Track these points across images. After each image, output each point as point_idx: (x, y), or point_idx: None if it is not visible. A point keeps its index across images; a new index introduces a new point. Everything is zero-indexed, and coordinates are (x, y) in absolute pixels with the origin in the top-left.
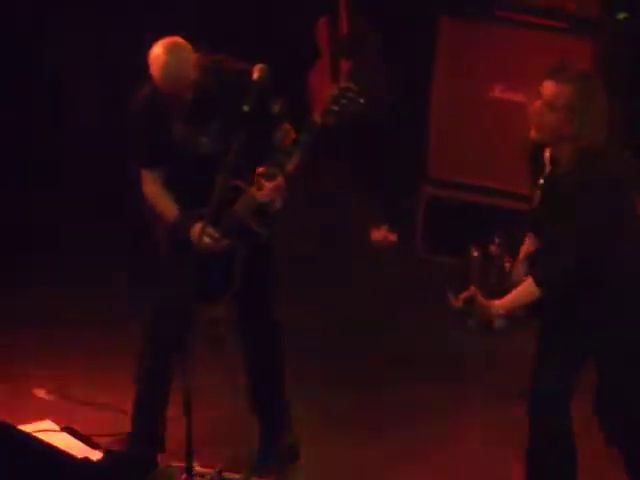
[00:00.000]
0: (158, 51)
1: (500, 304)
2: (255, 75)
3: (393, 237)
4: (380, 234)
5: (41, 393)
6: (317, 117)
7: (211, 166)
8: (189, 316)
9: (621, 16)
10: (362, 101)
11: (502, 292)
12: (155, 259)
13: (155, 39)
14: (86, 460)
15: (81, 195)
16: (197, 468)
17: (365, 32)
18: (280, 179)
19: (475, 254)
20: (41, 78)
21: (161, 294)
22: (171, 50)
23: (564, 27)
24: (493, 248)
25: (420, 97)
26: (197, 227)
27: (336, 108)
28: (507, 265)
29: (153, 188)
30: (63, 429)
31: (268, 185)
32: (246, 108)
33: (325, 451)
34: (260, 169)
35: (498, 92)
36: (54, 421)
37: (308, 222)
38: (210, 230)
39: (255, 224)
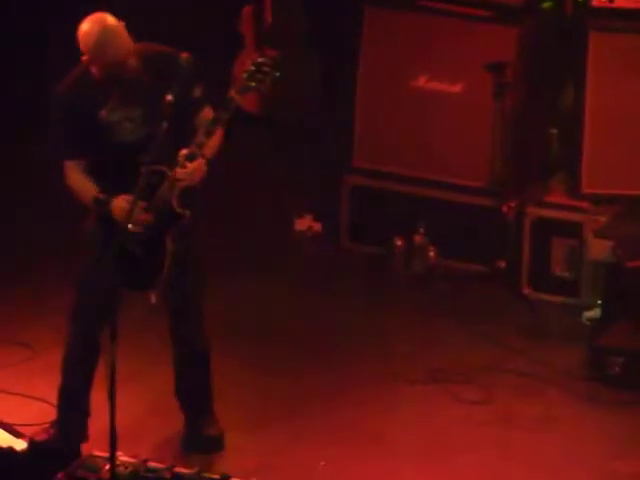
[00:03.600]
0: (90, 24)
1: None
2: (179, 64)
3: (317, 227)
4: (304, 224)
5: None
6: (234, 93)
7: (135, 152)
8: (115, 300)
9: (546, 5)
10: (277, 74)
11: None
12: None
13: None
14: (10, 449)
15: None
16: (121, 457)
17: (289, 21)
18: (201, 160)
19: (399, 243)
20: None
21: (86, 281)
22: (101, 21)
23: (489, 16)
24: (417, 237)
25: (344, 86)
26: (119, 201)
27: (253, 83)
28: (431, 254)
29: (77, 177)
30: None
31: (190, 165)
32: (169, 98)
33: (257, 440)
34: (182, 151)
35: (422, 82)
36: None
37: (230, 211)
38: (129, 197)
39: (177, 205)
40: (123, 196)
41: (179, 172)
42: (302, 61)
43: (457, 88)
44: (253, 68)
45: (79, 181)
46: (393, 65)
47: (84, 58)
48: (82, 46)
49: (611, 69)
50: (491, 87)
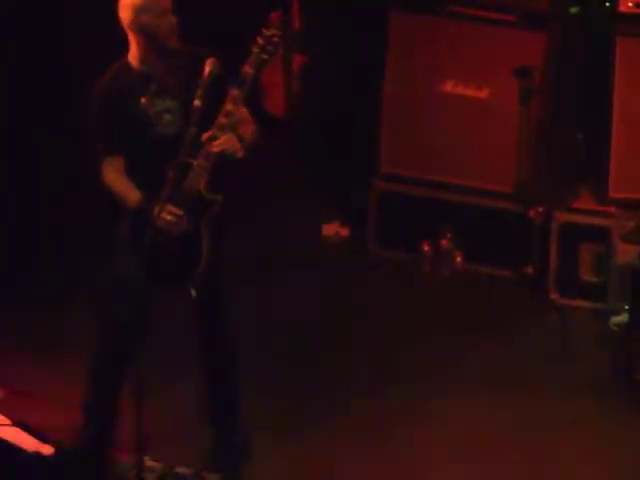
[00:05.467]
0: None
1: None
2: (206, 69)
3: (345, 232)
4: (332, 229)
5: None
6: (248, 68)
7: (172, 145)
8: (147, 307)
9: (573, 10)
10: (301, 58)
11: None
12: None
13: None
14: (38, 454)
15: None
16: (148, 463)
17: (317, 26)
18: (224, 138)
19: (427, 248)
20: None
21: (118, 285)
22: None
23: (516, 21)
24: (444, 242)
25: (372, 91)
26: (157, 210)
27: (265, 56)
28: (458, 259)
29: (116, 175)
30: (14, 423)
31: (214, 145)
32: (197, 103)
33: (279, 451)
34: (205, 134)
35: (449, 87)
36: (5, 415)
37: (256, 216)
38: (171, 207)
39: (206, 191)
40: (168, 207)
41: (209, 148)
42: (329, 66)
43: (484, 93)
44: (263, 41)
45: (120, 180)
46: (419, 70)
47: (129, 19)
48: (127, 4)
49: (638, 74)
50: (518, 92)
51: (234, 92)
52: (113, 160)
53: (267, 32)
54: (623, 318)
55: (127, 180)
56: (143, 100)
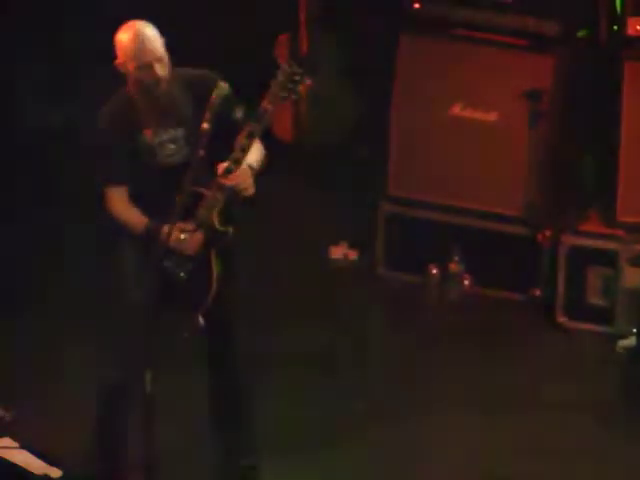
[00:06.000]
0: (126, 27)
1: None
2: (215, 93)
3: (353, 255)
4: (339, 252)
5: None
6: (267, 105)
7: (177, 174)
8: (157, 330)
9: (581, 34)
10: (308, 82)
11: None
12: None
13: None
14: (46, 477)
15: None
16: None
17: (326, 50)
18: (244, 167)
19: (434, 272)
20: None
21: (126, 308)
22: (139, 22)
23: (524, 45)
24: (452, 266)
25: (380, 114)
26: (167, 229)
27: (285, 94)
28: (466, 282)
29: (121, 205)
30: (22, 446)
31: (227, 181)
32: (206, 126)
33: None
34: (220, 166)
35: (457, 110)
36: (13, 438)
37: (266, 239)
38: (182, 225)
39: (218, 223)
40: (179, 224)
41: (223, 181)
42: (336, 90)
43: (492, 116)
44: (283, 78)
45: (125, 209)
46: (428, 93)
47: (118, 62)
48: (118, 47)
49: None
50: (526, 115)
51: (251, 127)
52: (117, 189)
53: (288, 69)
54: (631, 342)
55: (132, 207)
56: (146, 132)
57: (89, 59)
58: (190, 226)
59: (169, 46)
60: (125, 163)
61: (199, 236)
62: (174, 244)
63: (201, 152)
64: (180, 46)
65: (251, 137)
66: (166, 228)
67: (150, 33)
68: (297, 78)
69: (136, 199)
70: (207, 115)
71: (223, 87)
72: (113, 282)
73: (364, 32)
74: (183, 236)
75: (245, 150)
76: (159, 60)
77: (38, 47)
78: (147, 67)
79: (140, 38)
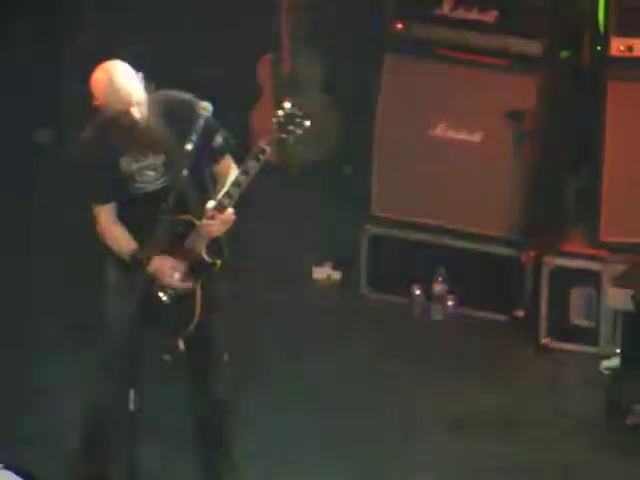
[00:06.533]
0: (102, 72)
1: None
2: (198, 113)
3: (337, 276)
4: (323, 273)
5: None
6: (264, 145)
7: (156, 200)
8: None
9: (564, 54)
10: (308, 124)
11: None
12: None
13: None
14: None
15: None
16: None
17: (309, 69)
18: (230, 211)
19: (418, 292)
20: None
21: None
22: (114, 66)
23: (507, 65)
24: (436, 286)
25: (363, 134)
26: (159, 262)
27: (284, 135)
28: (450, 303)
29: (110, 226)
30: (5, 467)
31: (220, 216)
32: (189, 147)
33: None
34: (211, 202)
35: (440, 130)
36: None
37: (247, 259)
38: (170, 259)
39: (207, 254)
40: (166, 258)
41: (209, 223)
42: (319, 108)
43: (476, 137)
44: (283, 120)
45: (113, 230)
46: (411, 113)
47: (95, 103)
48: (94, 91)
49: (630, 118)
50: (510, 136)
51: (246, 166)
52: (104, 208)
53: (289, 109)
54: (614, 362)
55: (121, 227)
56: (124, 159)
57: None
58: (178, 262)
59: (148, 73)
60: (108, 184)
61: (184, 269)
62: (159, 277)
63: (185, 172)
64: (160, 67)
65: (246, 175)
66: (155, 260)
67: (124, 79)
68: (297, 120)
69: (121, 222)
70: (193, 137)
71: (205, 109)
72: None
73: (347, 52)
74: (169, 271)
75: (239, 187)
76: (136, 104)
77: None
78: (124, 113)
79: (115, 86)
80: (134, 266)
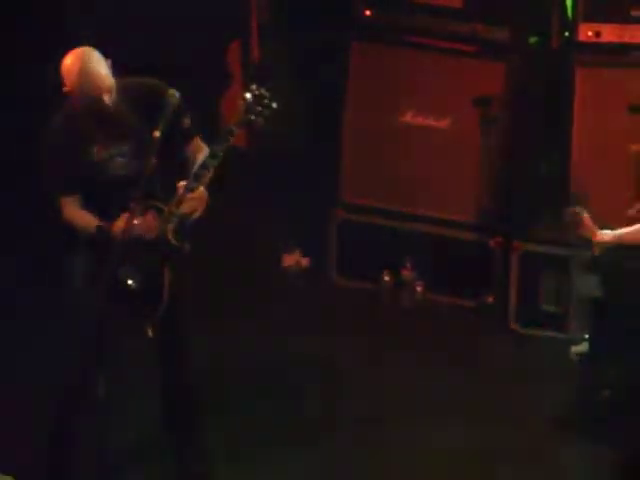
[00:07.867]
0: (72, 58)
1: (609, 232)
2: (169, 102)
3: (305, 262)
4: (292, 259)
5: None
6: (232, 126)
7: (126, 186)
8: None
9: (532, 40)
10: (275, 105)
11: None
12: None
13: None
14: None
15: None
16: None
17: (277, 55)
18: (202, 190)
19: (387, 278)
20: None
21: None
22: (84, 53)
23: (475, 51)
24: (405, 272)
25: (331, 120)
26: (120, 222)
27: (252, 116)
28: (419, 289)
29: (75, 212)
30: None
31: (191, 196)
32: (157, 134)
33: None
34: (180, 184)
35: (409, 117)
36: None
37: (216, 246)
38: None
39: (173, 238)
40: (123, 215)
41: (183, 206)
42: (289, 95)
43: (444, 123)
44: (251, 101)
45: (78, 215)
46: (380, 99)
47: (66, 89)
48: (64, 78)
49: (597, 104)
50: (478, 122)
51: (215, 147)
52: (69, 199)
53: (256, 90)
54: (583, 347)
55: (84, 212)
56: (93, 148)
57: None
58: (139, 210)
59: (116, 59)
60: (72, 174)
61: (151, 217)
62: (130, 232)
63: (153, 160)
64: (128, 54)
65: (215, 157)
66: (118, 222)
67: (94, 66)
68: (266, 102)
69: (89, 209)
70: (159, 124)
71: (173, 95)
72: (66, 285)
73: (316, 38)
74: (136, 221)
75: (209, 169)
76: (106, 91)
77: None
78: (95, 99)
79: (85, 72)
80: (100, 237)
